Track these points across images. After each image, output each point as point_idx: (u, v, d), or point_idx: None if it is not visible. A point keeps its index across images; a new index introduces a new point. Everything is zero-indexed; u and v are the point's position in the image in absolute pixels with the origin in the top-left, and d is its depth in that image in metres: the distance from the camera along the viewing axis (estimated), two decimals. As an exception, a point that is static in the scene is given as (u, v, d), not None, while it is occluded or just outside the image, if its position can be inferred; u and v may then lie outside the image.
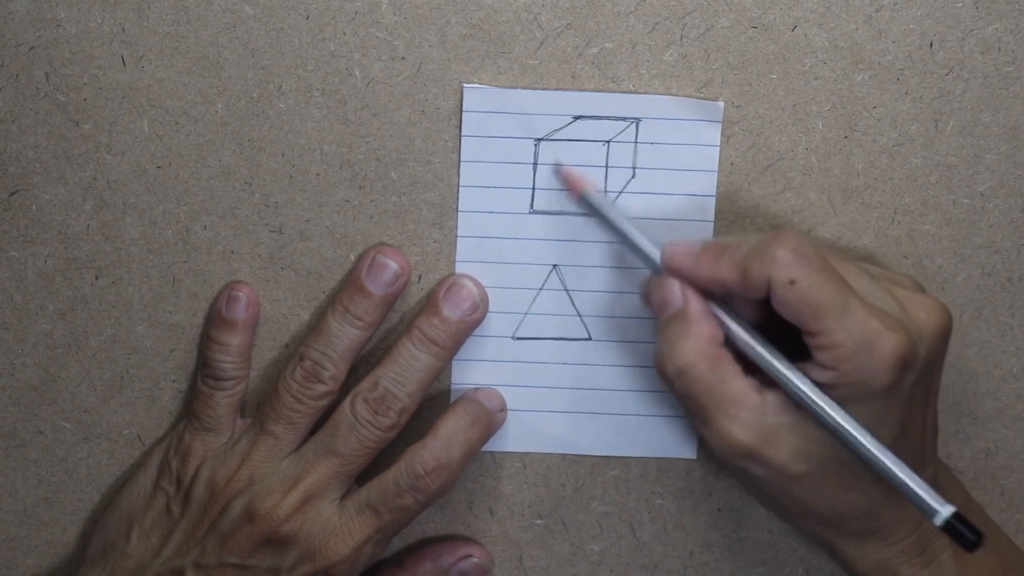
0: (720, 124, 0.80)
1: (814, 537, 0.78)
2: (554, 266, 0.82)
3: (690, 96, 0.80)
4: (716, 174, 0.81)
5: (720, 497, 0.84)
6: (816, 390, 0.73)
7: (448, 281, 0.81)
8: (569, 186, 0.79)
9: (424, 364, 0.80)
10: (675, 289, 0.76)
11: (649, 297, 0.77)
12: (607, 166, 0.81)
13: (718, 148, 0.81)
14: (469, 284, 0.81)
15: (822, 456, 0.74)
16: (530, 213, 0.81)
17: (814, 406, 0.73)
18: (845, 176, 0.81)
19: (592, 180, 0.80)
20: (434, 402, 0.83)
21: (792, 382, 0.74)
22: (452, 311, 0.80)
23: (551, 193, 0.81)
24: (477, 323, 0.81)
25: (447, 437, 0.80)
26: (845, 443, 0.73)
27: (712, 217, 0.81)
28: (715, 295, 0.76)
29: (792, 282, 0.73)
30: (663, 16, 0.80)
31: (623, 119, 0.80)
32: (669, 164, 0.81)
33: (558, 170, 0.80)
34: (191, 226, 0.82)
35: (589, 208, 0.79)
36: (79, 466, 0.84)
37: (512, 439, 0.83)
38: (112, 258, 0.82)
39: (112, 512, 0.83)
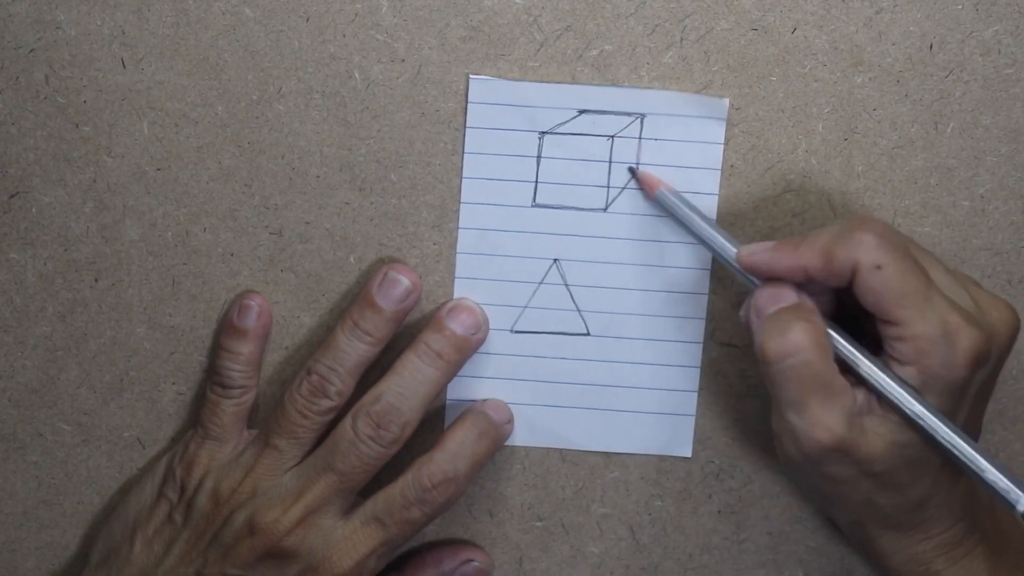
0: (725, 122, 0.80)
1: (853, 529, 0.78)
2: (555, 260, 0.82)
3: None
4: (719, 172, 0.81)
5: (720, 499, 0.84)
6: (904, 385, 0.73)
7: (450, 303, 0.81)
8: (644, 186, 0.80)
9: (428, 377, 0.80)
10: (790, 289, 0.75)
11: (756, 305, 0.76)
12: (611, 161, 0.81)
13: (722, 146, 0.81)
14: (471, 305, 0.81)
15: (901, 454, 0.74)
16: (532, 207, 0.81)
17: (901, 400, 0.73)
18: (845, 178, 0.81)
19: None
20: (432, 405, 0.83)
21: (880, 376, 0.73)
22: (457, 327, 0.80)
23: (554, 187, 0.81)
24: (480, 343, 0.82)
25: (455, 450, 0.80)
26: (930, 437, 0.73)
27: (714, 215, 0.81)
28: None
29: (879, 267, 0.73)
30: (663, 18, 0.80)
31: (628, 114, 0.80)
32: (673, 161, 0.81)
33: (634, 170, 0.80)
34: (191, 228, 0.82)
35: (664, 207, 0.80)
36: (79, 468, 0.84)
37: None
38: (112, 260, 0.82)
39: (117, 517, 0.83)
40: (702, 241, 0.79)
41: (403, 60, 0.80)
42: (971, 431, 0.77)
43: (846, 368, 0.75)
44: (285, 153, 0.81)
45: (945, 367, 0.73)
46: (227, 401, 0.82)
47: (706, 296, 0.82)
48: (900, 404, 0.73)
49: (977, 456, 0.73)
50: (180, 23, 0.80)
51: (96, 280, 0.82)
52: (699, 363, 0.83)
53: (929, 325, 0.72)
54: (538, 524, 0.85)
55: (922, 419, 0.73)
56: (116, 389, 0.84)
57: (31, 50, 0.80)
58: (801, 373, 0.73)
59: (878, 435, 0.74)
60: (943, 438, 0.73)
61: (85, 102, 0.81)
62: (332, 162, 0.81)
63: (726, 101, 0.80)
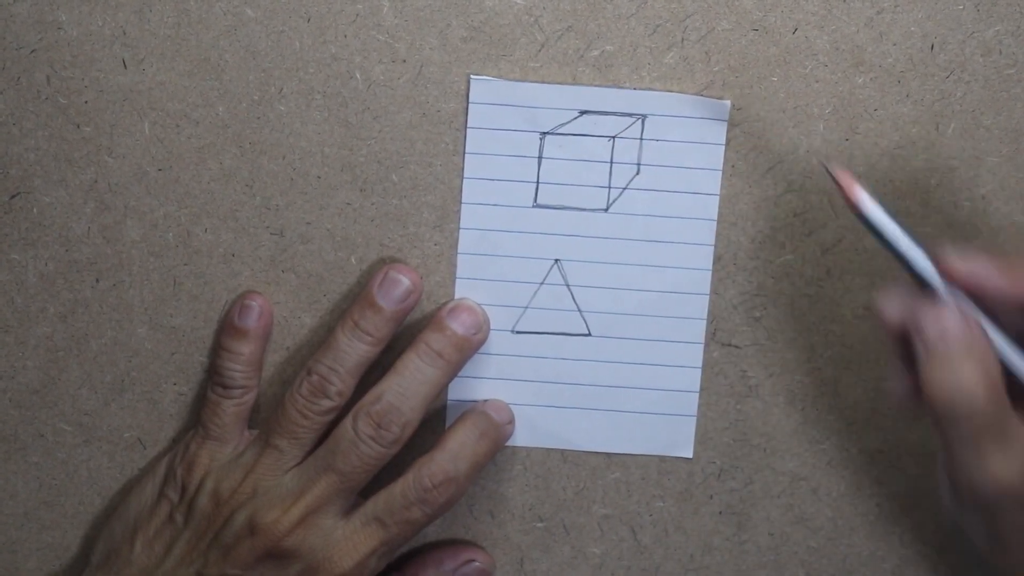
0: (726, 123, 0.80)
1: None
2: (556, 261, 0.82)
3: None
4: (721, 173, 0.81)
5: (721, 500, 0.84)
6: None
7: (451, 303, 0.81)
8: (844, 195, 0.73)
9: (429, 377, 0.80)
10: (959, 318, 0.71)
11: (922, 327, 0.71)
12: (612, 162, 0.81)
13: (723, 147, 0.81)
14: (472, 305, 0.81)
15: None
16: (533, 207, 0.81)
17: None
18: (846, 179, 0.81)
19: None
20: (433, 405, 0.83)
21: None
22: (458, 327, 0.80)
23: (555, 187, 0.81)
24: (481, 343, 0.82)
25: (455, 450, 0.80)
26: None
27: (715, 216, 0.81)
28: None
29: None
30: (664, 18, 0.80)
31: (629, 115, 0.80)
32: (674, 162, 0.81)
33: (830, 169, 0.74)
34: (192, 229, 0.82)
35: (863, 218, 0.73)
36: (80, 469, 0.84)
37: None
38: (113, 261, 0.82)
39: (118, 517, 0.83)
40: (900, 260, 0.73)
41: (404, 60, 0.80)
42: None
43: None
44: (286, 154, 0.81)
45: None
46: (228, 401, 0.82)
47: (707, 296, 0.82)
48: None
49: None
50: (181, 24, 0.80)
51: (97, 280, 0.82)
52: (700, 364, 0.83)
53: None
54: (539, 525, 0.85)
55: None
56: (117, 390, 0.84)
57: (32, 51, 0.80)
58: (975, 421, 0.70)
59: None
60: None
61: (86, 102, 0.81)
62: (333, 162, 0.81)
63: (727, 103, 0.80)
